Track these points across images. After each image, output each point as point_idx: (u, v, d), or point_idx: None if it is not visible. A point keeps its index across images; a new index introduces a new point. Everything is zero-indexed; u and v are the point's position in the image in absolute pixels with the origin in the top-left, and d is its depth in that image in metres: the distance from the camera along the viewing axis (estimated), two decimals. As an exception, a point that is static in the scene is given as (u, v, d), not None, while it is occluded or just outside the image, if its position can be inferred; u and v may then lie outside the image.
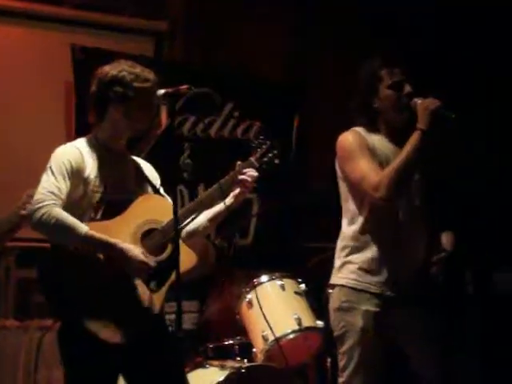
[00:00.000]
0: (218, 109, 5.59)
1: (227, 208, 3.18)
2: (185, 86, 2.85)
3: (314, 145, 5.79)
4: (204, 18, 5.88)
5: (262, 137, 3.32)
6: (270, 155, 3.27)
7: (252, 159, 3.25)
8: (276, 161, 3.28)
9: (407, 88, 3.30)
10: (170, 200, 3.15)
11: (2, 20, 5.26)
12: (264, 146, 3.27)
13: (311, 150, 5.81)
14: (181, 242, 3.00)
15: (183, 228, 3.08)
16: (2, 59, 5.21)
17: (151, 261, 2.91)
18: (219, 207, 3.21)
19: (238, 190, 3.20)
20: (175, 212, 2.80)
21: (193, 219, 3.07)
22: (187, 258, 3.02)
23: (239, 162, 3.24)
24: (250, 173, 3.19)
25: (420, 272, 3.31)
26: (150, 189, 3.15)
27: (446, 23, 5.81)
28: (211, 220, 3.23)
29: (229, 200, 3.20)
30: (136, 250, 2.88)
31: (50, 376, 4.82)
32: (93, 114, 3.10)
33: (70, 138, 4.83)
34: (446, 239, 3.62)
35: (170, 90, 2.87)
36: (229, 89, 5.55)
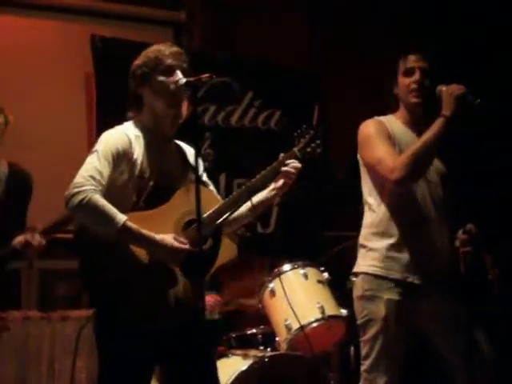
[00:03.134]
0: (239, 98, 5.59)
1: (254, 207, 3.09)
2: (206, 75, 2.81)
3: (335, 134, 5.77)
4: (220, 7, 5.87)
5: (304, 126, 3.23)
6: (313, 145, 3.19)
7: (295, 150, 3.17)
8: (319, 150, 3.20)
9: (416, 75, 3.30)
10: (213, 188, 3.15)
11: (23, 12, 5.31)
12: (307, 136, 3.19)
13: (332, 139, 5.79)
14: (223, 234, 3.00)
15: (221, 224, 3.00)
16: (23, 50, 5.24)
17: (185, 244, 2.85)
18: (259, 197, 3.13)
19: (281, 182, 3.11)
20: (198, 205, 2.70)
21: (224, 219, 2.99)
22: (228, 250, 3.01)
23: (282, 154, 3.14)
24: (294, 164, 3.10)
25: (444, 258, 3.30)
26: (193, 176, 2.99)
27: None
28: (251, 210, 3.13)
29: (268, 192, 3.12)
30: (168, 239, 2.83)
31: (73, 366, 4.85)
32: (132, 108, 3.06)
33: (91, 127, 4.86)
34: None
35: (191, 78, 2.84)
36: (249, 78, 5.55)
